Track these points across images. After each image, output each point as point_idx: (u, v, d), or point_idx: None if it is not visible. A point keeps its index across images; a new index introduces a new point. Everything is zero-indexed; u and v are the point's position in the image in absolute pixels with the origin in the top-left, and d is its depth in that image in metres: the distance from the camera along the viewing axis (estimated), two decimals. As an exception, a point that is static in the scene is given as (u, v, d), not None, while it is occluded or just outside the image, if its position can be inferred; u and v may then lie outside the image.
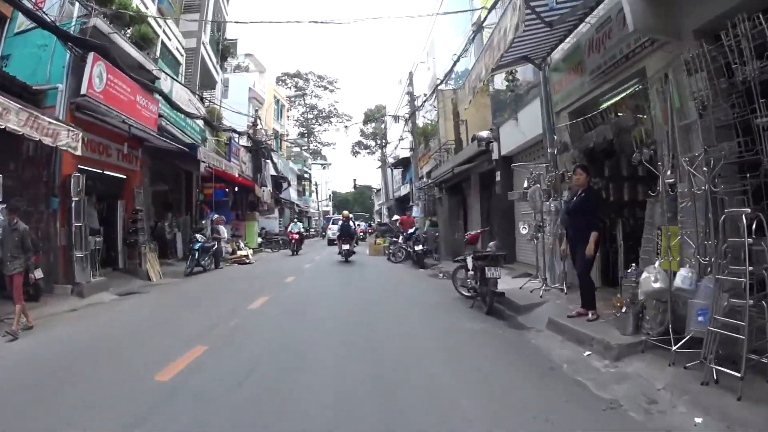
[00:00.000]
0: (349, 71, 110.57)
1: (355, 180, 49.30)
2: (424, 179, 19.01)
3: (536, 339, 5.37)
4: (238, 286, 10.53)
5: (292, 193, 38.01)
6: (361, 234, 29.66)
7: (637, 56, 5.52)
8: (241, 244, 17.68)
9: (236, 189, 20.32)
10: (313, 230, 44.09)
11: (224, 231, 15.81)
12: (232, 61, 32.36)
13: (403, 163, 30.91)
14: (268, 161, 25.85)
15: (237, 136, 23.01)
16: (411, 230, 15.07)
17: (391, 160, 34.60)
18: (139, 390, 3.68)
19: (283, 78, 51.40)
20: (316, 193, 56.75)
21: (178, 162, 14.63)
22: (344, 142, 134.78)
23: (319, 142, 58.70)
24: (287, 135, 45.15)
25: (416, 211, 17.95)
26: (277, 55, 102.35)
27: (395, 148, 31.77)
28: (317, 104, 54.04)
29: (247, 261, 16.21)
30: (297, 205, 40.31)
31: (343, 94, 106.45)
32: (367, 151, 54.43)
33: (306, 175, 47.40)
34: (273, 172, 27.69)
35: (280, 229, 29.17)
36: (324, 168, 69.11)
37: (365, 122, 54.89)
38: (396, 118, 26.23)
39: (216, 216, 15.84)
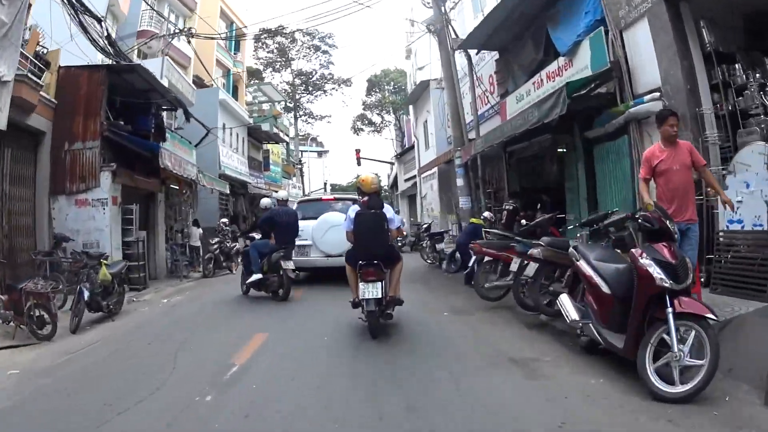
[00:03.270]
0: (347, 30, 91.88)
1: (358, 151, 29.97)
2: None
3: None
4: None
5: (230, 159, 18.69)
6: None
7: None
8: None
9: None
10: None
11: None
12: None
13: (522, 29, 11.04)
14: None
15: None
16: None
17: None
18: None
19: (263, 36, 32.52)
20: (301, 175, 37.42)
21: None
22: (342, 123, 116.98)
23: (310, 115, 40.08)
24: (244, 76, 25.95)
25: None
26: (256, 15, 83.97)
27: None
28: (305, 69, 36.37)
29: None
30: (246, 183, 20.97)
31: (340, 56, 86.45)
32: (372, 128, 42.31)
33: (278, 134, 27.10)
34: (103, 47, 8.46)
35: (133, 239, 9.83)
36: (320, 156, 53.27)
37: (369, 92, 41.04)
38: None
39: None
